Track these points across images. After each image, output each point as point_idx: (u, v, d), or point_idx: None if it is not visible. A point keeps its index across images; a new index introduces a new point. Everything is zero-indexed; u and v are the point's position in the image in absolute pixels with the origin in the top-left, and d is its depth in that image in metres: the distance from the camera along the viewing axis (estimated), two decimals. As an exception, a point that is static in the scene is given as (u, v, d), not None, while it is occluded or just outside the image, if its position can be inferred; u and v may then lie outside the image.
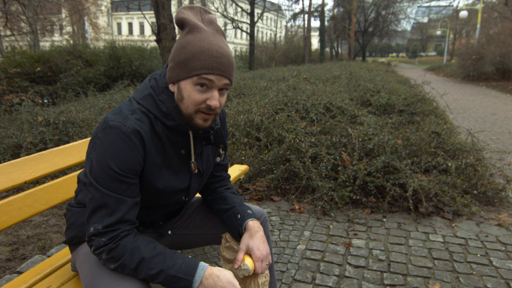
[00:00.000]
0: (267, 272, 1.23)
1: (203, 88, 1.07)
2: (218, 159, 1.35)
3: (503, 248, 2.33)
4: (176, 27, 1.22)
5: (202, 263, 1.05)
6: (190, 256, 1.09)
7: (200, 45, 1.05)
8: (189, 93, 1.07)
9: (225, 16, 22.19)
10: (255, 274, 1.19)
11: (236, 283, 1.04)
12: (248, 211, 1.32)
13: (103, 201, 1.04)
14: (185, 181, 1.25)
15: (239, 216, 1.30)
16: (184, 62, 1.06)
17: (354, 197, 2.91)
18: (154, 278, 1.02)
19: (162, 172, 1.17)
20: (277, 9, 39.64)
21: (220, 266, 1.31)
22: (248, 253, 1.21)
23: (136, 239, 1.06)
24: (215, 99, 1.07)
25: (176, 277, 1.01)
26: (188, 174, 1.24)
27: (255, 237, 1.22)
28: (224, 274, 1.04)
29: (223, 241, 1.34)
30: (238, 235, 1.30)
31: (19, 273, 2.13)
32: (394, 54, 79.12)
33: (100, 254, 1.05)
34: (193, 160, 1.21)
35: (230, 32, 48.91)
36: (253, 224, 1.26)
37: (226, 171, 1.49)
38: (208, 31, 1.07)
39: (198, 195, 1.57)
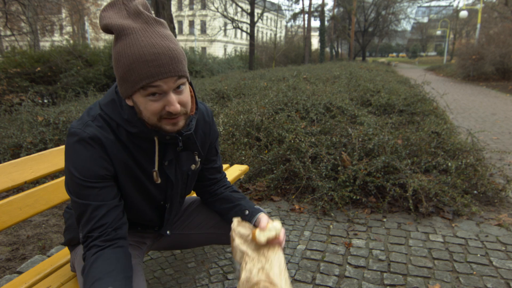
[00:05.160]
0: (281, 253, 1.15)
1: (156, 96, 0.97)
2: (193, 166, 1.26)
3: (503, 248, 2.33)
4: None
5: None
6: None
7: (131, 53, 0.93)
8: (144, 105, 0.99)
9: (225, 16, 22.20)
10: (273, 245, 1.13)
11: None
12: (255, 206, 1.30)
13: (81, 209, 1.03)
14: (161, 188, 1.21)
15: (247, 212, 1.26)
16: (124, 76, 0.97)
17: (354, 197, 2.90)
18: None
19: (135, 178, 1.13)
20: (277, 9, 39.69)
21: (231, 264, 1.28)
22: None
23: (95, 256, 1.00)
24: (172, 104, 0.98)
25: None
26: (163, 180, 1.19)
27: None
28: None
29: (235, 221, 1.23)
30: None
31: (19, 273, 2.13)
32: (394, 54, 79.11)
33: None
34: (156, 169, 1.13)
35: (230, 32, 48.93)
36: (264, 216, 1.23)
37: (220, 172, 1.44)
38: (137, 29, 0.95)
39: (193, 194, 1.55)
